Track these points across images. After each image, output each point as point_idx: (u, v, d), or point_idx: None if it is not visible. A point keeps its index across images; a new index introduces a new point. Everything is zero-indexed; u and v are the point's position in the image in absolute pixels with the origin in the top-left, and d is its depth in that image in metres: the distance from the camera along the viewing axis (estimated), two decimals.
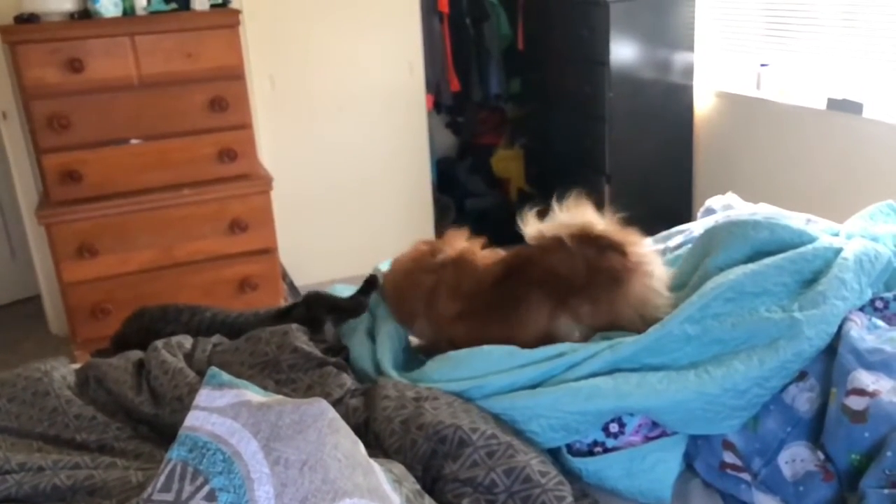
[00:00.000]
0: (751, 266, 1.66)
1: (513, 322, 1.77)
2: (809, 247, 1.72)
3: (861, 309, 1.65)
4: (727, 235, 1.79)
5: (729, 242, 1.77)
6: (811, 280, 1.67)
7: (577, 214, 1.80)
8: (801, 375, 1.50)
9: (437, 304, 1.85)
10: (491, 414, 1.55)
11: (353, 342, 1.91)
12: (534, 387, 1.60)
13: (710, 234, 1.87)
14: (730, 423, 1.49)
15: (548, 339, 1.74)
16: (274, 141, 4.06)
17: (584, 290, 1.74)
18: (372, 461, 1.20)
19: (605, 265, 1.74)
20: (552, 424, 1.52)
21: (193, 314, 2.01)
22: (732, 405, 1.48)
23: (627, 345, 1.59)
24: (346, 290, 2.18)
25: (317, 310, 1.97)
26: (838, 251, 1.71)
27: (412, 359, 1.93)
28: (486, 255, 1.91)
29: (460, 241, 1.94)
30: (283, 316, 1.98)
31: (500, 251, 1.92)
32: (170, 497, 1.01)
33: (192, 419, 1.10)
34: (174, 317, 2.00)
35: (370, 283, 2.04)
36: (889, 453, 1.27)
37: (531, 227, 1.84)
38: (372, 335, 1.94)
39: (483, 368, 1.64)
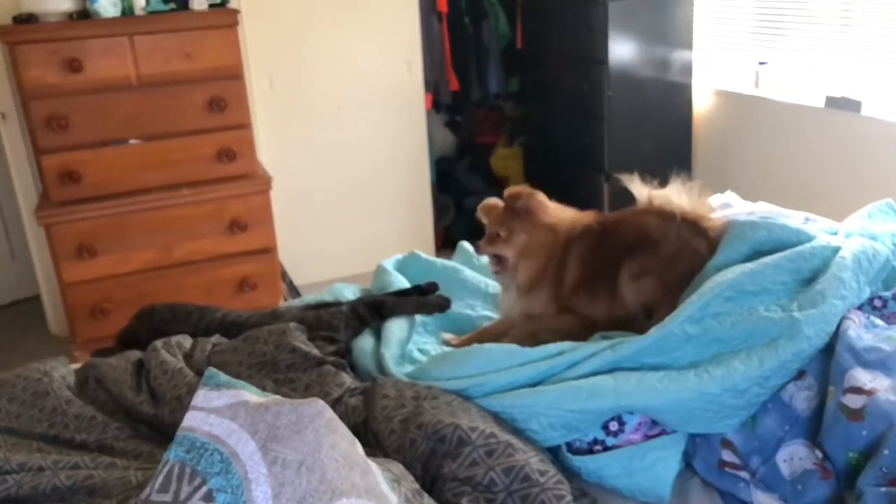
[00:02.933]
0: (749, 265, 1.66)
1: (613, 290, 1.82)
2: (808, 245, 1.72)
3: (859, 307, 1.65)
4: (725, 236, 1.79)
5: (727, 243, 1.77)
6: (810, 279, 1.67)
7: (700, 200, 1.87)
8: (800, 374, 1.51)
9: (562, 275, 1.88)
10: (490, 412, 1.55)
11: (355, 340, 1.92)
12: (534, 385, 1.60)
13: None
14: (729, 422, 1.50)
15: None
16: (273, 140, 4.06)
17: (666, 262, 1.78)
18: (370, 461, 1.20)
19: (700, 250, 1.79)
20: (552, 423, 1.52)
21: (203, 315, 2.01)
22: (732, 404, 1.49)
23: (628, 344, 1.59)
24: (346, 290, 2.18)
25: (389, 311, 1.96)
26: (836, 250, 1.71)
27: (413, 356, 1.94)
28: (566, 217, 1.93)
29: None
30: (315, 309, 1.97)
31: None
32: (168, 498, 1.01)
33: (190, 420, 1.10)
34: (184, 317, 2.00)
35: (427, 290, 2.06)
36: (886, 451, 1.27)
37: (643, 188, 1.89)
38: (376, 332, 1.94)
39: (483, 367, 1.65)
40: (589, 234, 1.88)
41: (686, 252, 1.79)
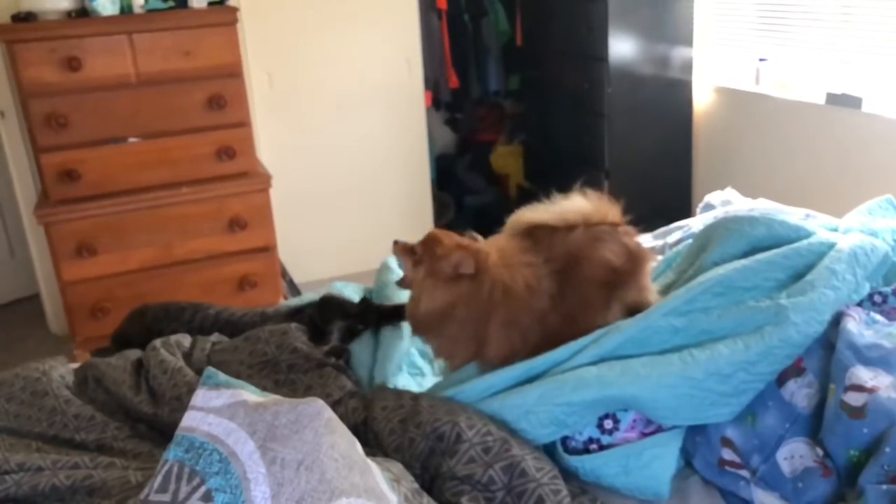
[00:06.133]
0: (742, 261, 1.65)
1: (578, 326, 1.67)
2: (804, 242, 1.71)
3: (859, 304, 1.65)
4: (724, 232, 1.78)
5: (725, 238, 1.76)
6: (804, 275, 1.66)
7: (600, 202, 1.77)
8: (800, 371, 1.50)
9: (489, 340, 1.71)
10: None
11: (354, 346, 1.91)
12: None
13: (708, 230, 1.86)
14: (720, 410, 1.48)
15: None
16: (272, 139, 4.06)
17: (629, 277, 1.73)
18: (369, 460, 1.20)
19: (642, 252, 1.75)
20: (541, 420, 1.51)
21: (196, 312, 2.00)
22: (719, 391, 1.47)
23: (611, 337, 1.58)
24: (345, 288, 2.18)
25: (327, 316, 1.94)
26: (832, 245, 1.70)
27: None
28: (518, 265, 1.70)
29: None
30: (292, 316, 1.96)
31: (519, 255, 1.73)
32: (166, 498, 1.01)
33: (189, 420, 1.10)
34: (176, 315, 1.99)
35: (396, 315, 1.98)
36: (888, 449, 1.27)
37: (548, 211, 1.76)
38: (374, 342, 1.93)
39: (461, 375, 1.64)
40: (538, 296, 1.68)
41: (639, 260, 1.74)
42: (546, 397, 1.50)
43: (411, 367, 1.91)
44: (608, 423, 1.54)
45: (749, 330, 1.52)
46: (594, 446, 1.54)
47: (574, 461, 1.52)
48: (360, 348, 1.89)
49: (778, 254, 1.67)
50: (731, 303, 1.59)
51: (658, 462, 1.50)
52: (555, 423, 1.51)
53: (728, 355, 1.47)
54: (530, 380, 1.59)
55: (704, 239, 1.85)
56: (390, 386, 1.76)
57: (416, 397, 1.53)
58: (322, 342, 1.85)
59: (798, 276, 1.66)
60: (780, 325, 1.49)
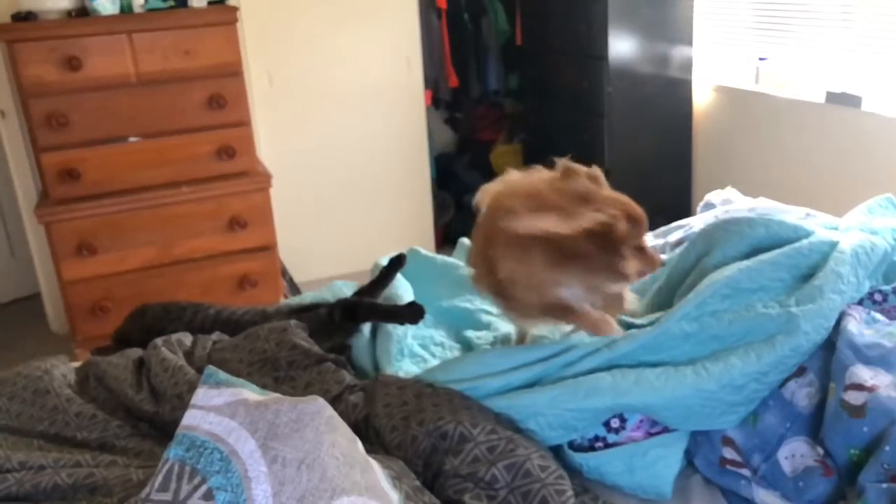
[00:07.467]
0: (746, 262, 1.65)
1: None
2: (805, 241, 1.71)
3: (859, 302, 1.65)
4: (723, 234, 1.78)
5: (724, 241, 1.76)
6: (808, 275, 1.66)
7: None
8: (800, 371, 1.50)
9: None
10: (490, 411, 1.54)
11: (353, 337, 1.91)
12: (531, 385, 1.59)
13: (706, 233, 1.86)
14: (728, 418, 1.49)
15: None
16: (272, 138, 4.06)
17: None
18: (370, 458, 1.20)
19: None
20: (550, 423, 1.51)
21: (196, 311, 2.00)
22: (730, 401, 1.48)
23: (625, 342, 1.58)
24: (345, 287, 2.18)
25: (361, 316, 1.89)
26: (834, 245, 1.71)
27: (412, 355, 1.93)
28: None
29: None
30: (294, 314, 1.94)
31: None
32: (168, 497, 1.01)
33: (190, 418, 1.09)
34: (177, 315, 1.99)
35: (397, 263, 2.01)
36: (887, 448, 1.27)
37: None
38: (372, 328, 1.94)
39: (477, 371, 1.63)
40: None
41: None
42: (557, 401, 1.50)
43: (413, 356, 1.91)
44: (615, 422, 1.54)
45: (760, 338, 1.53)
46: (600, 444, 1.54)
47: (578, 458, 1.52)
48: (358, 336, 1.90)
49: (780, 254, 1.67)
50: (739, 305, 1.59)
51: (663, 462, 1.50)
52: (564, 426, 1.51)
53: (741, 367, 1.48)
54: (541, 379, 1.59)
55: (702, 242, 1.84)
56: (392, 370, 1.76)
57: (419, 395, 1.53)
58: (330, 339, 1.84)
59: (802, 276, 1.66)
60: (791, 335, 1.50)
